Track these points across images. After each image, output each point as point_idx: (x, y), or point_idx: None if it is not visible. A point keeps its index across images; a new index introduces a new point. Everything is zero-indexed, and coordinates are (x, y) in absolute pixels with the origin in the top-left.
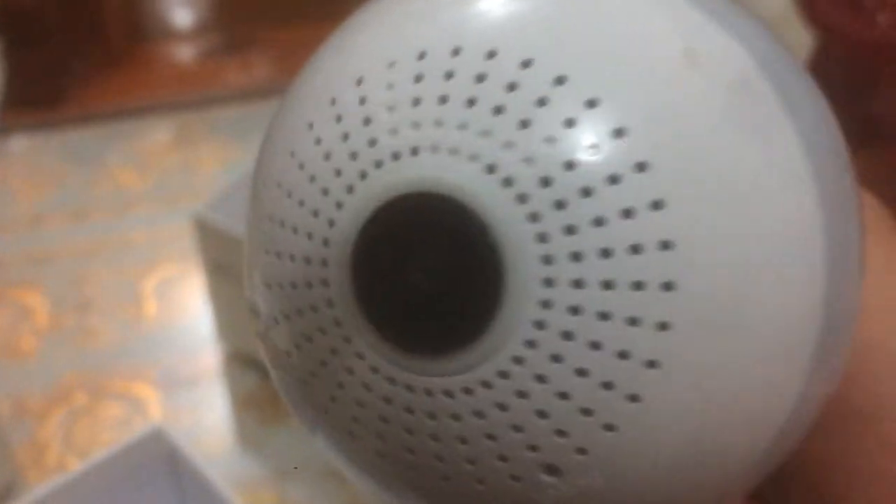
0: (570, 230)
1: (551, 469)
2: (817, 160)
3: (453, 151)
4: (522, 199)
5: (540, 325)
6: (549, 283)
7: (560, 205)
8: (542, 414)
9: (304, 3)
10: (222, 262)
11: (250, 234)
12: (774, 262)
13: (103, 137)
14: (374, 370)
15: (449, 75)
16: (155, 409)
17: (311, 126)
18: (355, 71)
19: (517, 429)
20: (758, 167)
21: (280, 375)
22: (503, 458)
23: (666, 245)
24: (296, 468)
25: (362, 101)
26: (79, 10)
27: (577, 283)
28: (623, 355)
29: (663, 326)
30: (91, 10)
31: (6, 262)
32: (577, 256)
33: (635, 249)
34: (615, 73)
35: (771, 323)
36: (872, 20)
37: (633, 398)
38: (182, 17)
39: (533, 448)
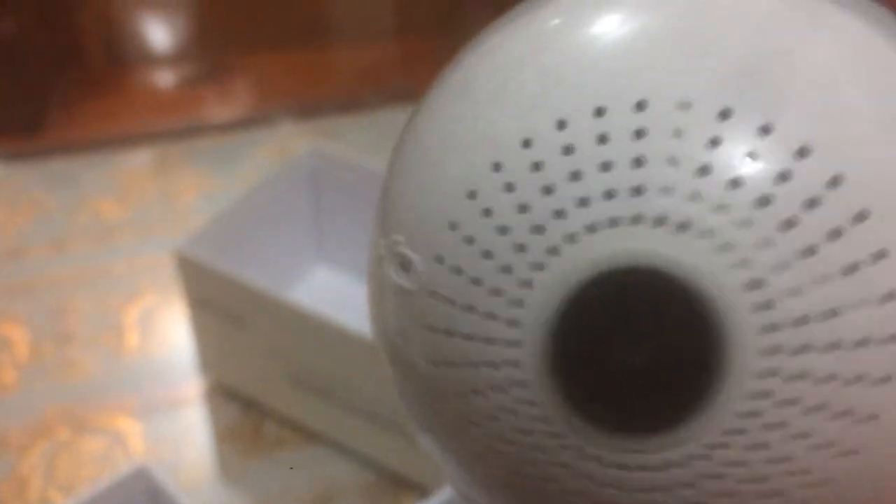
0: (793, 292)
1: None
2: None
3: (659, 222)
4: (743, 264)
5: (761, 395)
6: (771, 351)
7: (782, 267)
8: (758, 479)
9: (285, 30)
10: (205, 298)
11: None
12: None
13: (82, 165)
14: (578, 450)
15: (639, 134)
16: (136, 443)
17: (472, 195)
18: (519, 130)
19: (755, 479)
20: None
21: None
22: None
23: (891, 296)
24: (291, 468)
25: (536, 167)
26: (58, 38)
27: (802, 349)
28: (846, 413)
29: (885, 381)
30: (70, 38)
31: None
32: (800, 321)
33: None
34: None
35: None
36: None
37: (853, 452)
38: (162, 44)
39: (777, 493)
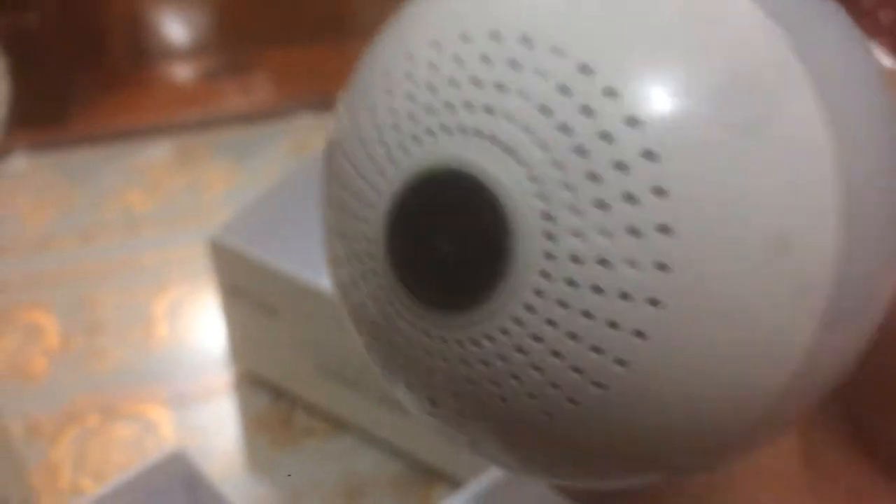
0: (568, 187)
1: (571, 401)
2: (837, 116)
3: (478, 134)
4: (534, 179)
5: (545, 275)
6: (550, 237)
7: (566, 187)
8: (555, 354)
9: (305, 25)
10: (238, 284)
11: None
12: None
13: (106, 158)
14: (413, 324)
15: (514, 64)
16: (166, 430)
17: (386, 73)
18: (432, 33)
19: (535, 367)
20: (756, 164)
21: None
22: (531, 396)
23: (659, 192)
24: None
25: (431, 66)
26: (81, 31)
27: (576, 233)
28: (624, 296)
29: (662, 267)
30: (93, 31)
31: (15, 283)
32: (575, 210)
33: (629, 198)
34: (631, 62)
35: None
36: (875, 19)
37: (639, 334)
38: (183, 38)
39: (554, 385)
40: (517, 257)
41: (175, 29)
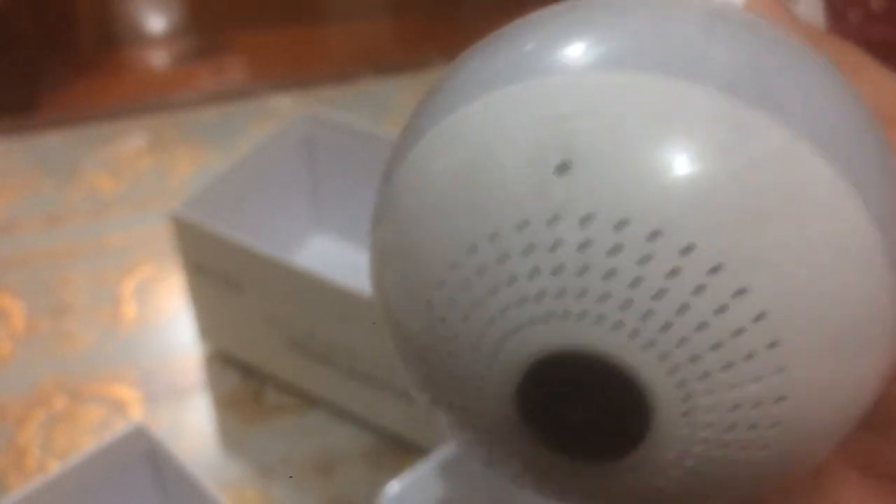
0: (693, 359)
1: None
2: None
3: (617, 325)
4: (663, 357)
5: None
6: (686, 399)
7: (693, 359)
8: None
9: (279, 6)
10: (202, 262)
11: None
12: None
13: (76, 142)
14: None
15: (615, 250)
16: (136, 411)
17: (446, 276)
18: (490, 227)
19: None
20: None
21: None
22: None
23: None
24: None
25: (502, 259)
26: (50, 15)
27: (710, 408)
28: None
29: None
30: (63, 15)
31: None
32: (704, 376)
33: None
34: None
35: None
36: (844, 18)
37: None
38: (154, 21)
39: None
40: (657, 421)
41: (146, 12)
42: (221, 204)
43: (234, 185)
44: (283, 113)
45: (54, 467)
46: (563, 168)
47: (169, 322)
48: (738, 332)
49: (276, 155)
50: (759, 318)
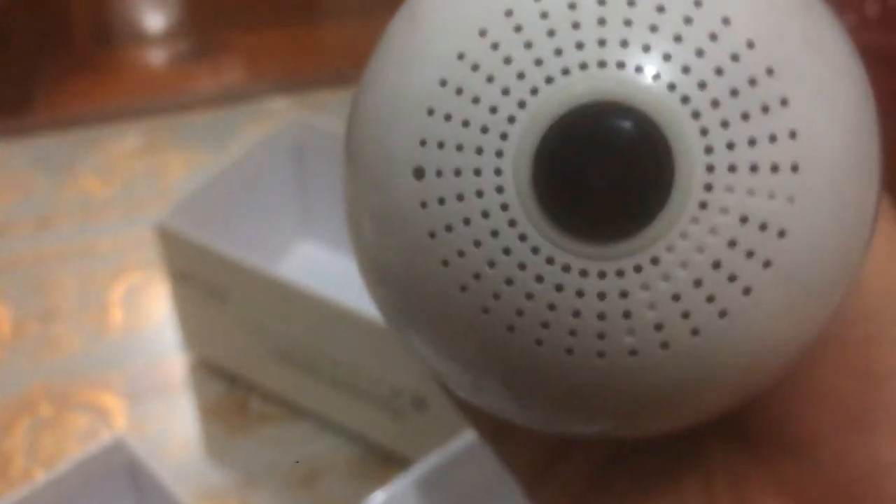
0: (724, 124)
1: (694, 331)
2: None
3: (620, 65)
4: (685, 99)
5: (703, 205)
6: (710, 168)
7: (715, 103)
8: (697, 283)
9: (275, 7)
10: (187, 271)
11: (376, 155)
12: (863, 157)
13: (70, 143)
14: (550, 261)
15: (631, 3)
16: (120, 420)
17: (483, 33)
18: (500, 3)
19: (675, 296)
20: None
21: (424, 294)
22: (658, 327)
23: (793, 134)
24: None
25: (544, 14)
26: (45, 15)
27: (732, 168)
28: (763, 227)
29: (791, 200)
30: (57, 15)
31: None
32: (731, 146)
33: (772, 138)
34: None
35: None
36: (861, 12)
37: (766, 264)
38: (150, 22)
39: (685, 315)
40: (681, 168)
41: (142, 13)
42: (207, 211)
43: (220, 191)
44: (278, 116)
45: (39, 475)
46: None
47: (156, 328)
48: (752, 81)
49: (264, 161)
50: (769, 72)
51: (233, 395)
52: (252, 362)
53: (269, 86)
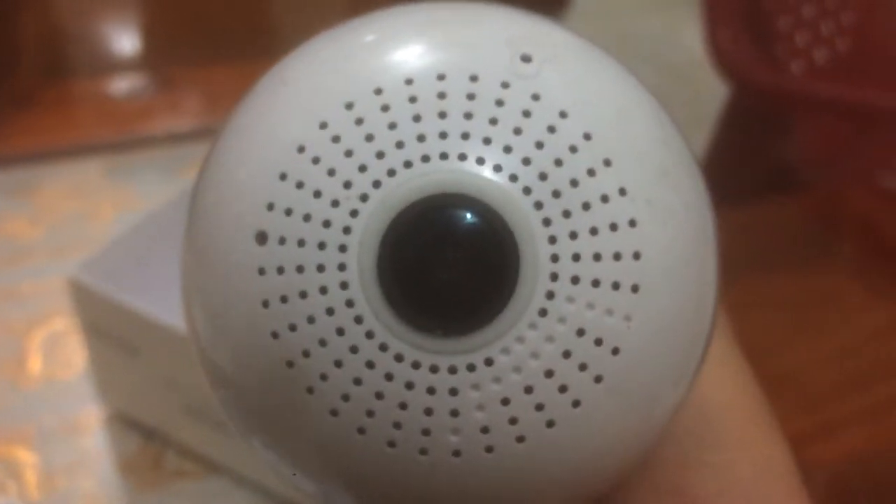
0: (566, 214)
1: (520, 438)
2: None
3: (461, 158)
4: (527, 191)
5: (543, 312)
6: (554, 276)
7: (556, 194)
8: (548, 373)
9: (232, 41)
10: (97, 323)
11: (213, 237)
12: (703, 286)
13: (1, 182)
14: (398, 358)
15: (470, 97)
16: (31, 475)
17: (324, 125)
18: (372, 82)
19: (526, 389)
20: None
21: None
22: (513, 421)
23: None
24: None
25: (385, 108)
26: None
27: (575, 280)
28: (598, 342)
29: (628, 318)
30: (3, 47)
31: None
32: (573, 235)
33: (616, 256)
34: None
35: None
36: (786, 70)
37: (598, 379)
38: (102, 56)
39: (513, 420)
40: (525, 273)
41: (94, 47)
42: (125, 262)
43: (143, 239)
44: None
45: None
46: None
47: (73, 380)
48: (590, 172)
49: (180, 213)
50: (622, 191)
51: (148, 449)
52: (167, 417)
53: (222, 122)
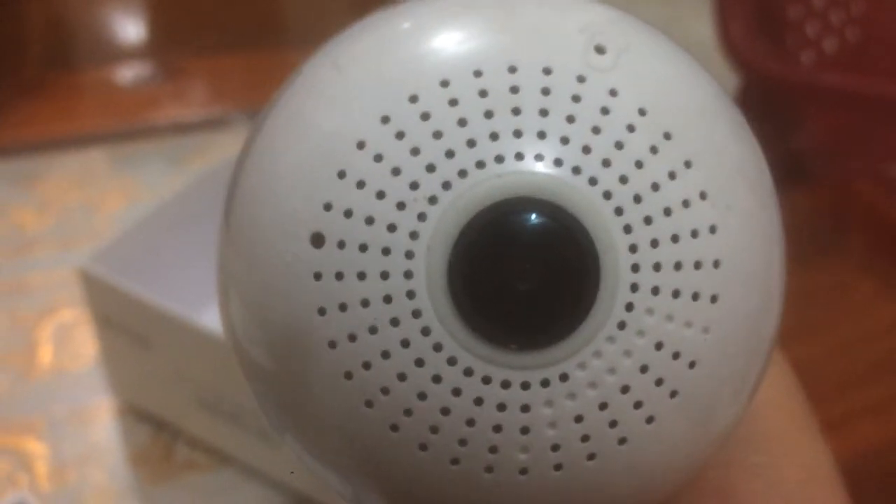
0: (648, 220)
1: (590, 456)
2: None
3: (557, 162)
4: (607, 195)
5: (622, 325)
6: (635, 268)
7: (637, 198)
8: (624, 389)
9: (239, 31)
10: (109, 315)
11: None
12: (775, 291)
13: (7, 172)
14: (468, 373)
15: (545, 92)
16: (41, 466)
17: (386, 119)
18: (438, 73)
19: (578, 419)
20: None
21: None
22: (585, 438)
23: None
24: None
25: (453, 102)
26: None
27: (655, 290)
28: (675, 355)
29: (706, 330)
30: (7, 39)
31: None
32: (654, 243)
33: (697, 265)
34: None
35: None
36: (796, 60)
37: (673, 394)
38: (108, 45)
39: (585, 438)
40: (605, 284)
41: (98, 36)
42: (135, 253)
43: (153, 231)
44: (228, 149)
45: None
46: None
47: (84, 371)
48: (671, 175)
49: (200, 198)
50: (702, 195)
51: (159, 441)
52: (178, 409)
53: (233, 110)
